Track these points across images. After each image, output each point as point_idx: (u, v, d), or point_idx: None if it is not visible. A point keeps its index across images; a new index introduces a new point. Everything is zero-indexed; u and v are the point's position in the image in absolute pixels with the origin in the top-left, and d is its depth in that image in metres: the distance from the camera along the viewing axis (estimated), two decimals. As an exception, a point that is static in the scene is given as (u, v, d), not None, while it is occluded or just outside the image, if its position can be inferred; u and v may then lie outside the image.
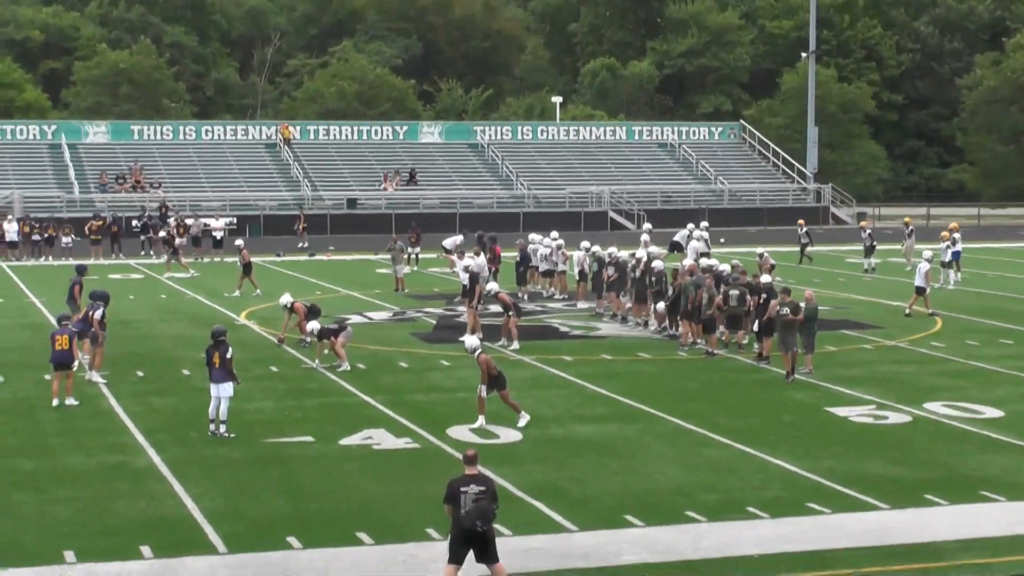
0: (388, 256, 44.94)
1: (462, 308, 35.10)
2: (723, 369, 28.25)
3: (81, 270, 32.57)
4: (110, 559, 15.73)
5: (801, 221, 54.49)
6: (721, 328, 30.19)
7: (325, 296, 40.05)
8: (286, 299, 30.49)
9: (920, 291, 36.36)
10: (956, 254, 44.27)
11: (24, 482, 18.98)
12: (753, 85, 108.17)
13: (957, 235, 44.63)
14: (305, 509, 17.70)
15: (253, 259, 42.45)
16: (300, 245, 58.89)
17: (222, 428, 21.47)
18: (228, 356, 21.50)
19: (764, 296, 28.83)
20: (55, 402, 24.02)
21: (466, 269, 34.44)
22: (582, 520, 17.13)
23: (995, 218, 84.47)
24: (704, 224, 48.63)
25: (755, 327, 29.05)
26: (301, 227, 60.66)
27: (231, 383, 21.55)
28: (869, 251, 48.55)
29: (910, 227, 50.29)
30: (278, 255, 55.35)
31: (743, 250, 50.77)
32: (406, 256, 46.40)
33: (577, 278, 39.00)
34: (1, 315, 37.00)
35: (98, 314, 26.49)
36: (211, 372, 21.60)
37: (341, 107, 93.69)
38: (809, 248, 52.22)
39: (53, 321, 30.04)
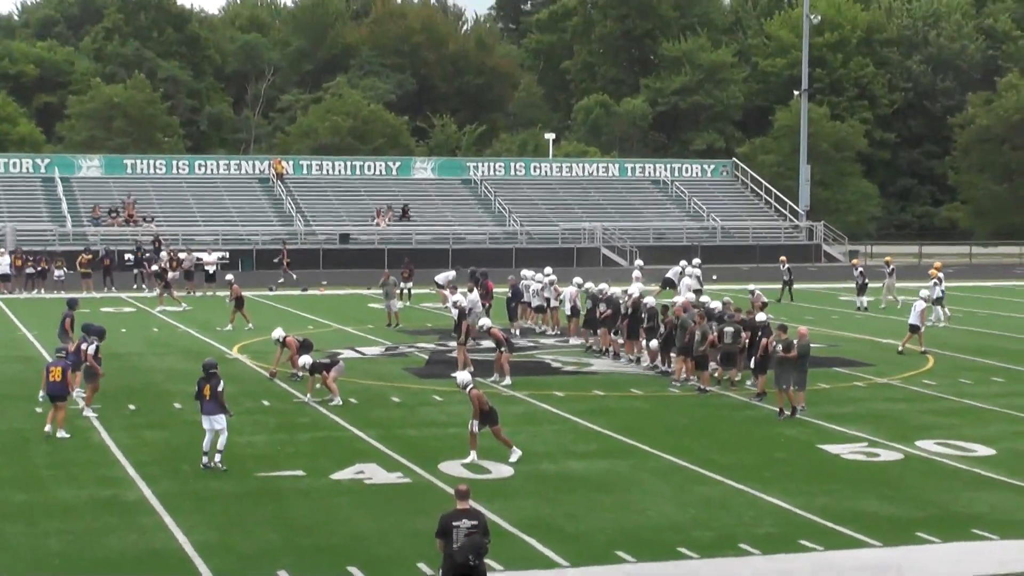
0: (381, 291, 44.94)
1: (454, 344, 35.09)
2: (715, 406, 28.24)
3: (72, 304, 32.47)
4: (100, 592, 15.69)
5: (783, 258, 54.44)
6: (714, 364, 30.23)
7: (317, 331, 40.03)
8: (278, 333, 30.50)
9: (914, 329, 36.38)
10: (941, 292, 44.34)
11: (15, 514, 18.91)
12: (746, 123, 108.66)
13: (940, 275, 44.72)
14: (296, 543, 17.64)
15: (245, 293, 42.42)
16: (280, 281, 57.54)
17: (217, 458, 21.41)
18: (220, 389, 21.47)
19: (759, 333, 28.88)
20: (47, 427, 24.05)
21: (455, 305, 34.40)
22: (574, 556, 17.08)
23: (987, 256, 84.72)
24: (696, 261, 48.65)
25: (751, 364, 29.08)
26: (285, 262, 59.60)
27: (223, 415, 21.51)
28: (861, 289, 48.59)
29: (891, 266, 50.40)
30: (271, 289, 55.34)
31: (735, 287, 50.76)
32: (399, 291, 46.40)
33: (569, 314, 39.01)
34: (-7, 348, 36.97)
35: (91, 349, 26.43)
36: (202, 404, 21.54)
37: (334, 142, 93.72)
38: (787, 287, 51.86)
39: (45, 354, 30.13)
